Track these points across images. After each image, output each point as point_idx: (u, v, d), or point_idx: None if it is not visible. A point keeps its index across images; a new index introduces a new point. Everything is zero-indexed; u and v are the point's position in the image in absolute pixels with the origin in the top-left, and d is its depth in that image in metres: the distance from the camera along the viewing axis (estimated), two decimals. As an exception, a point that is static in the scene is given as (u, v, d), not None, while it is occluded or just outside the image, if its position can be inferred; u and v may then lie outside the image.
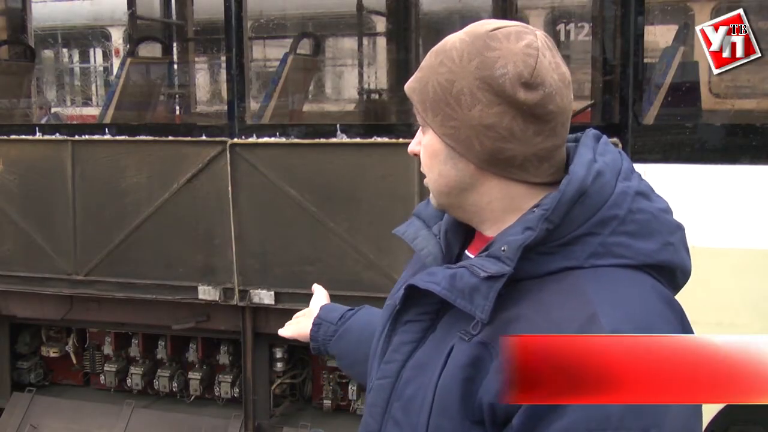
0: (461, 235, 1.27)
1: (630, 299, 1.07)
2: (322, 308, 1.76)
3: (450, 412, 1.11)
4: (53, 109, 7.24)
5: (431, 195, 1.26)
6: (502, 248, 1.11)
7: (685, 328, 1.11)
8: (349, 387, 4.47)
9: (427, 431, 1.13)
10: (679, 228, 1.18)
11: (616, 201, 1.12)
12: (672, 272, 1.15)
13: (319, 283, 1.88)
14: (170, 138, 4.28)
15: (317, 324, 1.73)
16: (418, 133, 1.24)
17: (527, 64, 1.11)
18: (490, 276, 1.09)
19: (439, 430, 1.12)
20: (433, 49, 1.20)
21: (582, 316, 1.04)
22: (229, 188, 4.12)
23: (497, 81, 1.11)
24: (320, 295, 1.83)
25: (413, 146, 1.25)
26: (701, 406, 1.04)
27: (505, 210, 1.18)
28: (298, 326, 1.80)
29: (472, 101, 1.12)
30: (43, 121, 5.58)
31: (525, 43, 1.12)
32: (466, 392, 1.10)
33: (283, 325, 1.83)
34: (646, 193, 1.16)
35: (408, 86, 1.22)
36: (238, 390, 4.61)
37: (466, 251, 1.25)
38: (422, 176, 1.25)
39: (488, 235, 1.20)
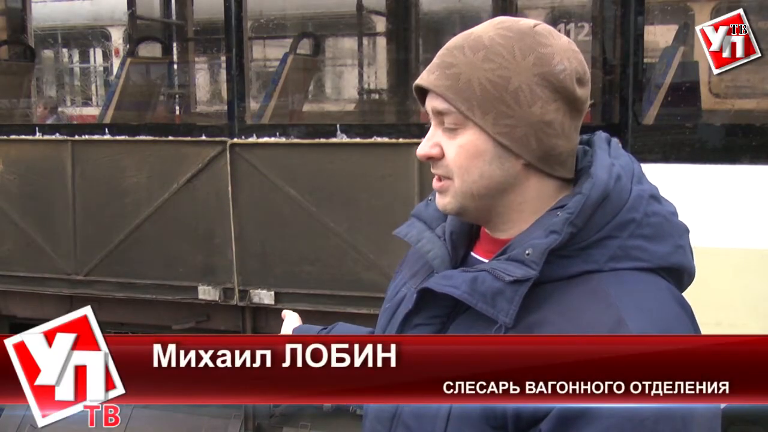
0: (466, 236, 1.25)
1: (651, 303, 1.07)
2: (294, 330, 1.70)
3: (471, 419, 1.08)
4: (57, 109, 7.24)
5: (452, 198, 1.16)
6: (527, 252, 1.09)
7: (695, 329, 1.12)
8: (349, 387, 4.47)
9: None
10: (687, 231, 1.18)
11: (633, 205, 1.12)
12: (680, 275, 1.16)
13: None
14: (170, 138, 4.29)
15: None
16: (436, 135, 1.15)
17: (579, 60, 1.12)
18: (515, 280, 1.07)
19: None
20: (459, 43, 1.14)
21: (610, 320, 1.04)
22: (229, 188, 4.11)
23: (557, 77, 1.10)
24: (291, 319, 1.76)
25: (429, 149, 1.15)
26: (720, 408, 1.04)
27: (534, 211, 1.16)
28: None
29: (531, 98, 1.10)
30: (48, 122, 5.59)
31: (567, 40, 1.13)
32: None
33: (283, 326, 1.81)
34: (657, 196, 1.16)
35: (433, 83, 1.13)
36: (238, 390, 4.61)
37: (473, 253, 1.23)
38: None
39: (500, 237, 1.18)
